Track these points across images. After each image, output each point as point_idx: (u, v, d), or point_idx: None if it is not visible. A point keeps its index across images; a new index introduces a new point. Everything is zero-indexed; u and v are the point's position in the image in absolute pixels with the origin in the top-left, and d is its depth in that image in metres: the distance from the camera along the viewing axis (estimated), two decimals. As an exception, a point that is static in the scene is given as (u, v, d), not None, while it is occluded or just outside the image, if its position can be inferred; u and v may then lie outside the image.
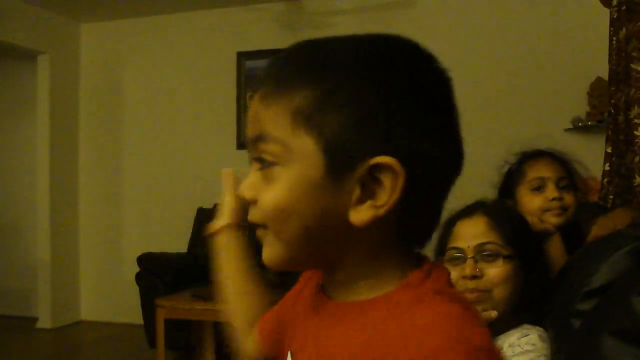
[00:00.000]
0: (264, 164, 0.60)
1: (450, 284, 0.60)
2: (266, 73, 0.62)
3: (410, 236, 0.61)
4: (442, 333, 0.51)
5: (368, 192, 0.56)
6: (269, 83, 0.60)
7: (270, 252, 0.62)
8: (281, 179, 0.59)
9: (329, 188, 0.57)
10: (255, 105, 0.61)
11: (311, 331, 0.64)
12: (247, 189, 0.62)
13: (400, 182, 0.55)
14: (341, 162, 0.56)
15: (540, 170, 1.61)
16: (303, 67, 0.60)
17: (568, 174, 1.64)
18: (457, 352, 0.49)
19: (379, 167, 0.55)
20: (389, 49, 0.60)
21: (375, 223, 0.57)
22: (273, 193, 0.59)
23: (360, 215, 0.56)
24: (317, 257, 0.62)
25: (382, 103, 0.56)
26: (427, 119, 0.57)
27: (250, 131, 0.61)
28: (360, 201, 0.56)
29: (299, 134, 0.57)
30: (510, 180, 1.66)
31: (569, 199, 1.58)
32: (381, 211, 0.56)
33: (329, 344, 0.60)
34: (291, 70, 0.60)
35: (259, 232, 0.62)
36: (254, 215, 0.62)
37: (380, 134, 0.56)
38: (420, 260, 0.62)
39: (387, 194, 0.56)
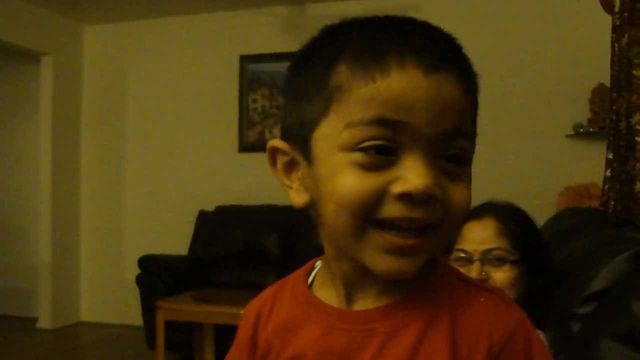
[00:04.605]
0: (460, 161, 0.56)
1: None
2: (466, 64, 0.61)
3: None
4: None
5: None
6: (470, 75, 0.60)
7: (432, 253, 0.58)
8: (469, 178, 0.58)
9: None
10: (456, 94, 0.56)
11: None
12: (436, 186, 0.54)
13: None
14: None
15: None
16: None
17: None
18: None
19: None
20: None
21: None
22: (468, 192, 0.57)
23: None
24: None
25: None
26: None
27: (449, 121, 0.55)
28: None
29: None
30: None
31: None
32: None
33: None
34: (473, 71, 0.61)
35: (419, 237, 0.55)
36: (434, 213, 0.55)
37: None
38: None
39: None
